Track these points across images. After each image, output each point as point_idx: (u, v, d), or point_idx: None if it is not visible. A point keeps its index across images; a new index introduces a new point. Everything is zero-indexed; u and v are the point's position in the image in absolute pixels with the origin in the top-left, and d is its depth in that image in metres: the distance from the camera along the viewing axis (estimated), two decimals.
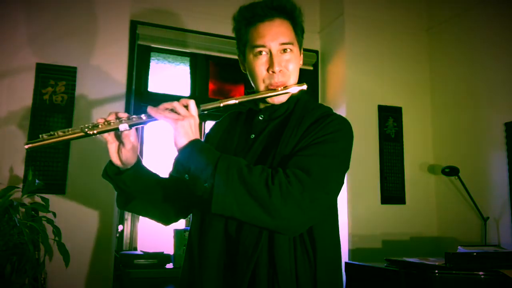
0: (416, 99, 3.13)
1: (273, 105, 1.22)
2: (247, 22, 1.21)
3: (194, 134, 1.03)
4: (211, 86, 3.02)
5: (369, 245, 2.79)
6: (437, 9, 3.20)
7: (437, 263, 2.06)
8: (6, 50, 2.26)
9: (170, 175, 1.28)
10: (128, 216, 2.62)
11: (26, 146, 1.05)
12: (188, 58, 2.98)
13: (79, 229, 2.23)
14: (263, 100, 1.22)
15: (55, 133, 1.05)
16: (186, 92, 2.94)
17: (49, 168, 2.23)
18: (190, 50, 2.91)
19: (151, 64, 2.87)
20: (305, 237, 1.08)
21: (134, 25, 2.66)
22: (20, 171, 2.19)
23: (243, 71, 1.29)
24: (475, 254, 2.08)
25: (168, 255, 2.51)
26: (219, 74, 3.07)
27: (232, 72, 3.10)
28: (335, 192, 1.11)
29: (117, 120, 1.06)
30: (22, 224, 1.85)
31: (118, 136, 1.10)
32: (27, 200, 2.08)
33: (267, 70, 1.18)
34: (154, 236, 2.72)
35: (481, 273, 1.93)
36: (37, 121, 2.24)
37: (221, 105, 1.11)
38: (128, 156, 1.12)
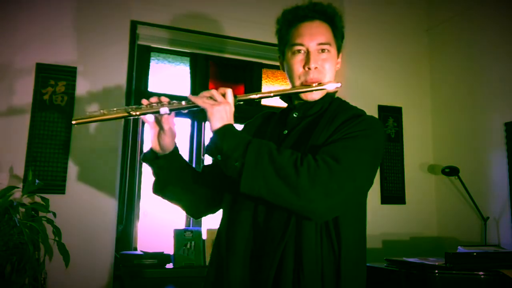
0: (416, 99, 3.13)
1: (307, 103, 1.25)
2: (288, 23, 1.27)
3: (228, 119, 1.09)
4: (211, 86, 3.01)
5: (369, 245, 2.76)
6: (437, 9, 3.20)
7: (437, 263, 2.06)
8: (6, 50, 2.26)
9: (203, 168, 1.36)
10: (128, 216, 2.61)
11: (74, 122, 1.12)
12: (188, 58, 2.98)
13: (79, 229, 2.22)
14: (297, 96, 1.25)
15: (102, 112, 1.13)
16: (186, 92, 2.94)
17: (49, 168, 2.23)
18: (190, 50, 2.91)
19: (151, 64, 2.87)
20: (331, 228, 1.10)
21: (134, 25, 2.65)
22: (20, 171, 2.19)
23: (282, 70, 1.33)
24: (475, 254, 2.08)
25: (168, 255, 2.51)
26: (219, 74, 3.07)
27: (232, 72, 3.10)
28: (362, 185, 1.14)
29: (159, 104, 1.13)
30: (22, 224, 1.85)
31: (159, 122, 1.18)
32: (27, 200, 2.08)
33: (303, 67, 1.22)
34: (154, 236, 2.72)
35: (481, 273, 1.93)
36: (37, 121, 2.24)
37: (257, 96, 1.18)
38: (167, 142, 1.20)
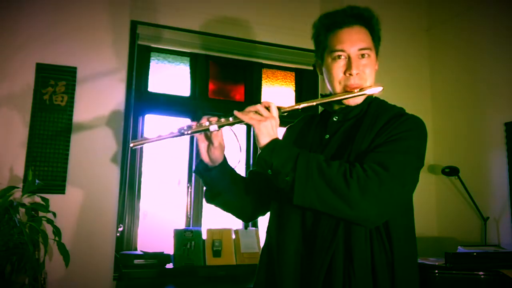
0: (416, 99, 3.12)
1: (347, 106, 1.26)
2: (326, 29, 1.29)
3: (275, 134, 1.14)
4: (211, 86, 3.02)
5: None
6: (437, 9, 3.20)
7: (437, 263, 2.06)
8: (6, 50, 2.26)
9: (250, 173, 1.42)
10: (128, 216, 2.62)
11: (131, 145, 1.24)
12: (188, 58, 2.98)
13: (79, 229, 2.22)
14: (339, 101, 1.27)
15: (158, 135, 1.23)
16: (186, 92, 2.94)
17: (49, 168, 2.23)
18: (190, 50, 2.91)
19: (151, 64, 2.87)
20: (381, 229, 1.12)
21: (134, 25, 2.65)
22: (20, 171, 2.19)
23: (319, 74, 1.35)
24: (475, 254, 2.09)
25: (168, 255, 2.51)
26: (219, 74, 3.07)
27: (232, 72, 3.10)
28: (410, 187, 1.16)
29: (208, 122, 1.20)
30: (22, 224, 1.85)
31: (208, 136, 1.25)
32: (27, 200, 2.08)
33: (344, 73, 1.23)
34: (154, 236, 2.72)
35: (481, 273, 1.94)
36: (37, 121, 2.24)
37: (300, 107, 1.21)
38: (216, 155, 1.26)
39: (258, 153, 1.13)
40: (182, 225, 2.74)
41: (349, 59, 1.23)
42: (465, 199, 2.75)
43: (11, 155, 2.19)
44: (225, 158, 1.30)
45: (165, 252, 2.50)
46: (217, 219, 2.82)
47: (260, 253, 1.31)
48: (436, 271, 1.97)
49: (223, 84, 3.08)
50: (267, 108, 1.16)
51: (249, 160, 2.99)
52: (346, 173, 1.04)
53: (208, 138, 1.25)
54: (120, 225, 2.54)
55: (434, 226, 3.01)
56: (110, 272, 2.28)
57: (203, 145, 1.26)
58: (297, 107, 1.21)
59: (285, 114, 1.20)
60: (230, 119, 1.19)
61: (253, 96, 3.07)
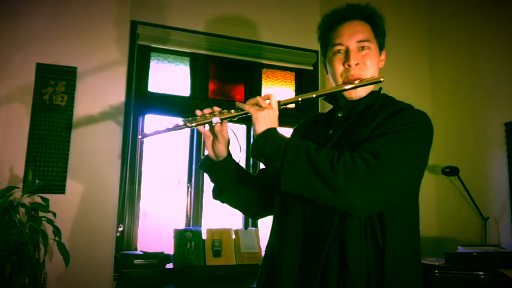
0: (416, 99, 3.12)
1: (351, 102, 1.27)
2: (329, 27, 1.31)
3: (272, 124, 1.16)
4: (211, 86, 3.02)
5: None
6: (437, 8, 3.20)
7: (437, 263, 2.06)
8: (6, 50, 2.26)
9: (259, 172, 1.42)
10: (128, 216, 2.62)
11: (140, 137, 1.31)
12: (188, 58, 2.98)
13: (79, 229, 2.22)
14: (342, 95, 1.27)
15: (166, 127, 1.27)
16: (186, 92, 2.94)
17: (49, 168, 2.23)
18: (190, 50, 2.91)
19: (151, 64, 2.87)
20: (375, 222, 1.11)
21: (134, 25, 2.66)
22: (20, 171, 2.19)
23: (326, 73, 1.36)
24: (475, 254, 2.09)
25: (168, 255, 2.51)
26: (219, 74, 3.07)
27: (232, 72, 3.10)
28: (406, 180, 1.12)
29: (211, 114, 1.24)
30: (22, 224, 1.85)
31: (213, 131, 1.27)
32: (27, 200, 2.08)
33: (344, 65, 1.24)
34: (154, 236, 2.72)
35: (481, 273, 1.94)
36: (37, 121, 2.24)
37: (300, 99, 1.23)
38: (221, 149, 1.29)
39: (252, 141, 1.15)
40: (182, 225, 2.74)
41: (347, 51, 1.24)
42: (465, 199, 2.75)
43: (11, 155, 2.19)
44: (229, 153, 1.32)
45: (165, 252, 2.50)
46: (217, 219, 2.82)
47: (259, 253, 1.31)
48: (436, 271, 1.97)
49: (223, 84, 3.08)
50: (268, 100, 1.19)
51: (249, 160, 2.99)
52: (333, 160, 1.04)
53: (213, 132, 1.27)
54: (120, 225, 2.54)
55: (434, 226, 3.02)
56: (110, 272, 2.28)
57: (208, 140, 1.29)
58: (296, 99, 1.23)
59: (285, 106, 1.23)
60: (232, 111, 1.22)
61: (253, 96, 3.07)
